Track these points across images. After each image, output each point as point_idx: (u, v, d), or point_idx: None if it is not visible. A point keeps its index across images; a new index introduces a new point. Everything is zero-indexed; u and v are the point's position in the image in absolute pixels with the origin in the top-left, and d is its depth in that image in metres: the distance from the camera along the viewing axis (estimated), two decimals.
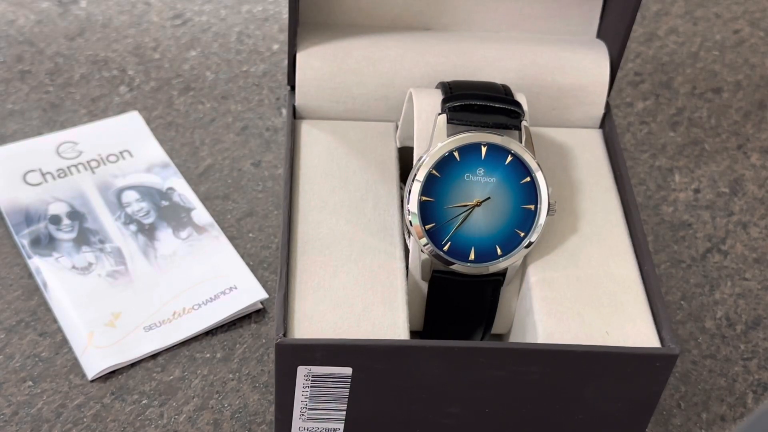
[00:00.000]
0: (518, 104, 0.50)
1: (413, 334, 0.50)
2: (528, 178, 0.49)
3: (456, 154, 0.48)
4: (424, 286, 0.51)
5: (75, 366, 0.55)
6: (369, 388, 0.47)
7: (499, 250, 0.49)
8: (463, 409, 0.48)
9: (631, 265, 0.51)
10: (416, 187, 0.48)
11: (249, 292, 0.58)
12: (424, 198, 0.48)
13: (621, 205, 0.54)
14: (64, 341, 0.56)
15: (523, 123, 0.49)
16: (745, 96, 0.74)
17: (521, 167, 0.49)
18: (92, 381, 0.54)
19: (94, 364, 0.54)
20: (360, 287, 0.49)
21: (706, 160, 0.69)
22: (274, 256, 0.61)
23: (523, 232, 0.49)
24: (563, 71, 0.58)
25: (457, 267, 0.49)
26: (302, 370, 0.45)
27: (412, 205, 0.48)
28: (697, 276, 0.62)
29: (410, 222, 0.48)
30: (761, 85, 0.75)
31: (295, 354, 0.45)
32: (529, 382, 0.46)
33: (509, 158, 0.49)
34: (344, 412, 0.48)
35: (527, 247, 0.49)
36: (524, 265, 0.51)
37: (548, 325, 0.48)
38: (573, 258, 0.51)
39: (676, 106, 0.73)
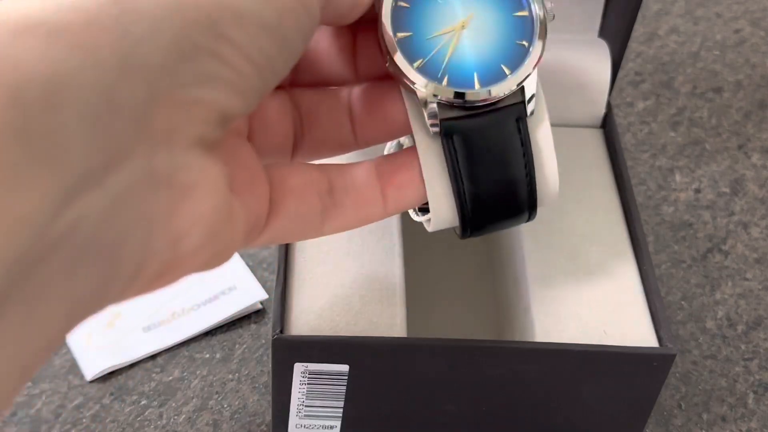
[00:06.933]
0: None
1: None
2: None
3: None
4: (440, 162, 0.41)
5: (74, 366, 0.55)
6: (366, 385, 0.47)
7: (506, 69, 0.40)
8: (460, 406, 0.48)
9: (630, 264, 0.51)
10: (387, 26, 0.39)
11: (248, 293, 0.58)
12: (400, 35, 0.39)
13: (621, 205, 0.54)
14: (63, 341, 0.56)
15: None
16: (745, 96, 0.74)
17: None
18: (91, 381, 0.54)
19: (93, 365, 0.54)
20: (358, 284, 0.49)
21: (707, 160, 0.69)
22: (274, 257, 0.61)
23: (525, 41, 0.41)
24: (564, 70, 0.58)
25: (467, 94, 0.40)
26: (299, 367, 0.45)
27: (392, 47, 0.39)
28: (697, 276, 0.62)
29: (401, 71, 0.39)
30: (762, 85, 0.75)
31: (292, 351, 0.45)
32: (526, 381, 0.46)
33: None
34: (341, 410, 0.48)
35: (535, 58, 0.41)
36: (523, 265, 0.51)
37: (546, 324, 0.48)
38: (572, 257, 0.51)
39: (677, 106, 0.73)
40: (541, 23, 0.41)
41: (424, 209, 0.42)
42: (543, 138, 0.43)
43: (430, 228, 0.42)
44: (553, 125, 0.58)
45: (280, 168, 0.38)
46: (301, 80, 0.41)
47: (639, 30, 0.78)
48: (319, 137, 0.41)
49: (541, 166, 0.42)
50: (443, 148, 0.40)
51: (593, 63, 0.58)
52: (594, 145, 0.58)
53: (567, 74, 0.58)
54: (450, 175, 0.40)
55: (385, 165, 0.40)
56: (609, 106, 0.58)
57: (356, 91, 0.42)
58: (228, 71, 0.30)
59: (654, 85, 0.74)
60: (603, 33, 0.60)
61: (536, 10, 0.41)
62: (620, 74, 0.74)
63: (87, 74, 0.26)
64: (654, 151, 0.69)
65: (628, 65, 0.75)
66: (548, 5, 0.41)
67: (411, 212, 0.44)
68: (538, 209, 0.43)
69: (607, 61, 0.58)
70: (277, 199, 0.37)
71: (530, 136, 0.42)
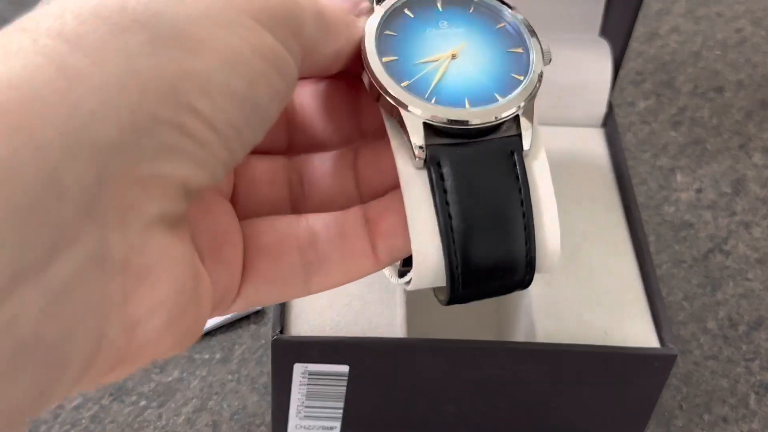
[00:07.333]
0: None
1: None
2: (502, 24, 0.39)
3: (408, 11, 0.39)
4: (426, 198, 0.35)
5: None
6: (366, 385, 0.46)
7: (499, 98, 0.36)
8: (461, 407, 0.48)
9: (631, 264, 0.51)
10: (371, 48, 0.36)
11: None
12: (385, 59, 0.36)
13: (622, 205, 0.54)
14: None
15: None
16: (747, 95, 0.74)
17: (490, 14, 0.39)
18: None
19: None
20: (357, 285, 0.49)
21: (708, 159, 0.69)
22: None
23: (521, 75, 0.38)
24: (565, 69, 0.58)
25: (456, 114, 0.36)
26: (299, 368, 0.45)
27: (376, 68, 0.36)
28: (698, 276, 0.62)
29: (383, 87, 0.35)
30: (763, 85, 0.75)
31: (292, 351, 0.45)
32: (526, 381, 0.46)
33: (471, 8, 0.39)
34: (341, 410, 0.47)
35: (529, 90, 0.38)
36: None
37: (547, 324, 0.48)
38: (573, 257, 0.51)
39: (678, 106, 0.73)
40: (537, 61, 0.38)
41: (404, 272, 0.37)
42: (540, 176, 0.38)
43: (410, 286, 0.36)
44: (553, 125, 0.58)
45: (253, 224, 0.34)
46: (299, 144, 0.38)
47: (640, 29, 0.78)
48: (322, 201, 0.38)
49: (540, 212, 0.37)
50: (428, 176, 0.35)
51: (594, 62, 0.58)
52: (595, 144, 0.57)
53: (568, 73, 0.58)
54: (436, 207, 0.35)
55: (372, 209, 0.36)
56: (610, 105, 0.58)
57: (360, 151, 0.38)
58: (190, 143, 0.27)
59: (655, 84, 0.74)
60: (604, 32, 0.60)
61: (533, 50, 0.38)
62: (621, 73, 0.74)
63: (25, 159, 0.23)
64: (655, 150, 0.69)
65: (629, 65, 0.75)
66: (545, 46, 0.38)
67: (387, 273, 0.39)
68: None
69: (608, 60, 0.58)
70: (249, 261, 0.33)
71: (527, 174, 0.37)
